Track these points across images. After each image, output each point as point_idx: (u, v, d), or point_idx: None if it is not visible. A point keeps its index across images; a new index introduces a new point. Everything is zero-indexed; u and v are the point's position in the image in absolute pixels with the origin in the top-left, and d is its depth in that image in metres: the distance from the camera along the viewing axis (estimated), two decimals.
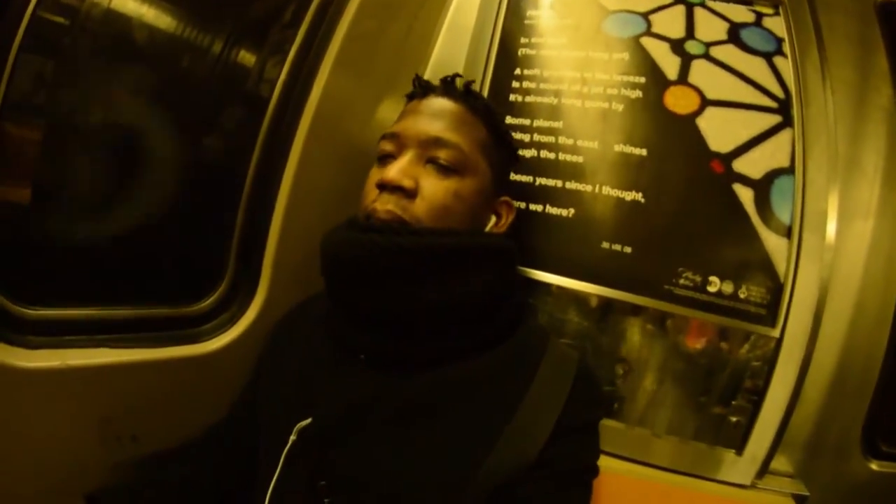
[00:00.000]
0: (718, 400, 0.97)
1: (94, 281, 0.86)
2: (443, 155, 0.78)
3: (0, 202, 0.77)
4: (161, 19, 0.87)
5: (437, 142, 0.78)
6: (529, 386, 0.74)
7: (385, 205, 0.75)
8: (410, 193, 0.76)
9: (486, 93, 1.12)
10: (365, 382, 0.75)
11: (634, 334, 1.00)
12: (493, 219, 0.86)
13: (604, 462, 0.94)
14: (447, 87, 0.87)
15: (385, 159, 0.81)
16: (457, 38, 1.18)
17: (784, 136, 0.99)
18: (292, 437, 0.72)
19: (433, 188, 0.77)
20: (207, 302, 0.95)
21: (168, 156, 0.93)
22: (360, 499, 0.70)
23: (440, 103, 0.83)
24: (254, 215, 0.97)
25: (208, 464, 0.88)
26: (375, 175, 0.80)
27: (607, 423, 0.99)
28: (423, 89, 0.88)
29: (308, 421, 0.73)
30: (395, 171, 0.76)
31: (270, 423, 0.80)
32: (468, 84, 0.88)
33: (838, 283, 0.99)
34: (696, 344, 0.98)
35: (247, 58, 0.98)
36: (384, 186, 0.77)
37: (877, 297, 1.00)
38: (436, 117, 0.81)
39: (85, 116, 0.84)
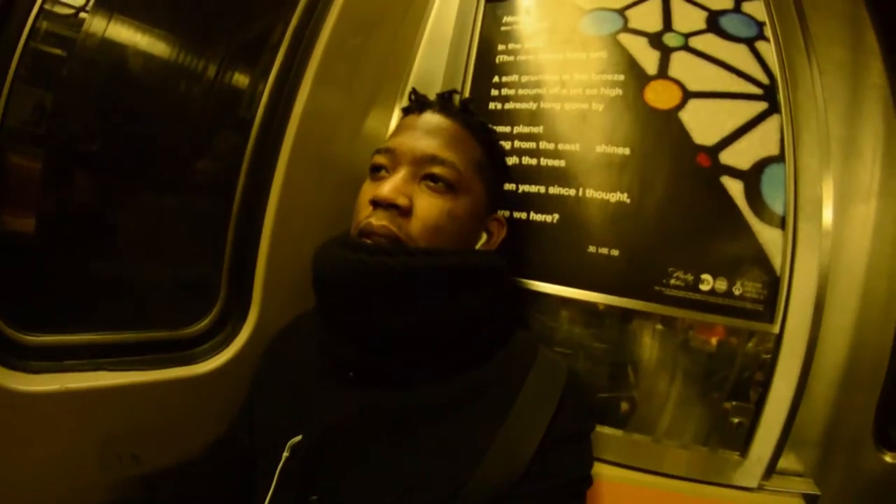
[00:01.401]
0: (718, 402, 0.94)
1: (92, 307, 0.91)
2: (438, 173, 0.79)
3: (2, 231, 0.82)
4: (144, 48, 0.92)
5: (432, 160, 0.79)
6: (517, 397, 0.74)
7: (380, 220, 0.76)
8: (404, 211, 0.77)
9: None
10: (354, 399, 0.76)
11: (627, 339, 0.98)
12: (485, 236, 0.87)
13: (604, 470, 0.94)
14: (444, 103, 0.88)
15: (378, 172, 0.82)
16: (437, 50, 1.19)
17: (772, 123, 0.95)
18: (285, 454, 0.74)
19: (427, 207, 0.78)
20: (202, 324, 0.99)
21: (159, 182, 0.98)
22: None
23: (436, 120, 0.84)
24: (243, 238, 1.01)
25: (206, 481, 0.90)
26: (369, 190, 0.81)
27: (605, 431, 0.98)
28: (419, 104, 0.88)
29: (299, 438, 0.74)
30: (388, 188, 0.77)
31: (266, 441, 0.82)
32: (465, 101, 0.89)
33: (840, 272, 0.95)
34: (692, 347, 0.96)
35: (230, 83, 1.02)
36: (378, 203, 0.77)
37: (883, 283, 0.95)
38: (431, 134, 0.82)
39: (83, 146, 0.90)
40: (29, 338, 0.80)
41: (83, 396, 0.79)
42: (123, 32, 0.88)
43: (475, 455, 0.69)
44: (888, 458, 0.96)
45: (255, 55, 1.04)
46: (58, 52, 0.83)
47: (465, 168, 0.81)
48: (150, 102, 0.95)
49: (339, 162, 1.09)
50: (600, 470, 0.94)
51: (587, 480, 0.76)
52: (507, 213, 1.05)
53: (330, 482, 0.72)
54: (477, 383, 0.75)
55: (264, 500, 0.74)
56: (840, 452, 0.97)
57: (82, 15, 0.84)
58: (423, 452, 0.71)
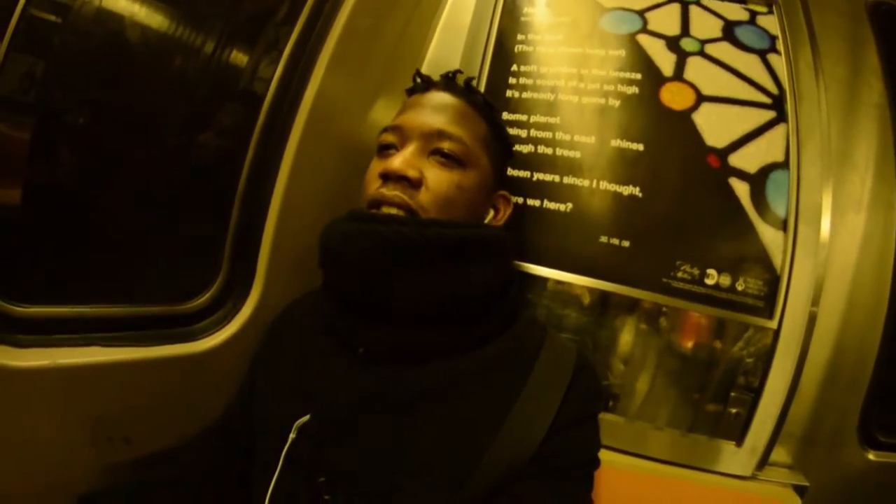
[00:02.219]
0: (717, 393, 0.98)
1: (86, 278, 0.85)
2: (446, 147, 0.79)
3: None
4: (154, 18, 0.86)
5: (440, 134, 0.79)
6: (528, 378, 0.74)
7: (392, 190, 0.76)
8: (415, 184, 0.77)
9: (482, 89, 1.13)
10: (363, 377, 0.74)
11: (633, 328, 1.01)
12: (492, 212, 0.87)
13: (604, 456, 0.95)
14: (448, 82, 0.88)
15: (386, 150, 0.81)
16: (452, 37, 1.19)
17: (778, 132, 1.01)
18: (292, 435, 0.72)
19: (438, 179, 0.77)
20: (202, 299, 0.93)
21: (161, 152, 0.92)
22: (359, 494, 0.69)
23: (442, 97, 0.85)
24: (249, 212, 0.96)
25: (203, 465, 0.86)
26: (377, 166, 0.81)
27: (606, 417, 1.00)
28: (424, 84, 0.89)
29: (307, 417, 0.72)
30: (399, 161, 0.77)
31: (268, 422, 0.79)
32: (468, 80, 0.90)
33: (833, 276, 1.01)
34: (694, 338, 1.00)
35: (241, 56, 0.98)
36: (388, 176, 0.77)
37: (870, 288, 1.02)
38: (438, 111, 0.82)
39: (76, 115, 0.83)
40: (18, 309, 0.74)
41: (74, 373, 0.74)
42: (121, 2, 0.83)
43: (487, 434, 0.69)
44: (871, 456, 1.03)
45: (264, 29, 1.00)
46: (52, 17, 0.78)
47: (472, 143, 0.82)
48: (153, 71, 0.89)
49: (349, 144, 1.07)
50: (601, 456, 0.96)
51: (595, 461, 0.77)
52: (520, 200, 1.06)
53: (339, 462, 0.70)
54: (487, 362, 0.75)
55: (269, 483, 0.71)
56: (825, 448, 1.03)
57: None
58: (435, 431, 0.70)
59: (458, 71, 0.90)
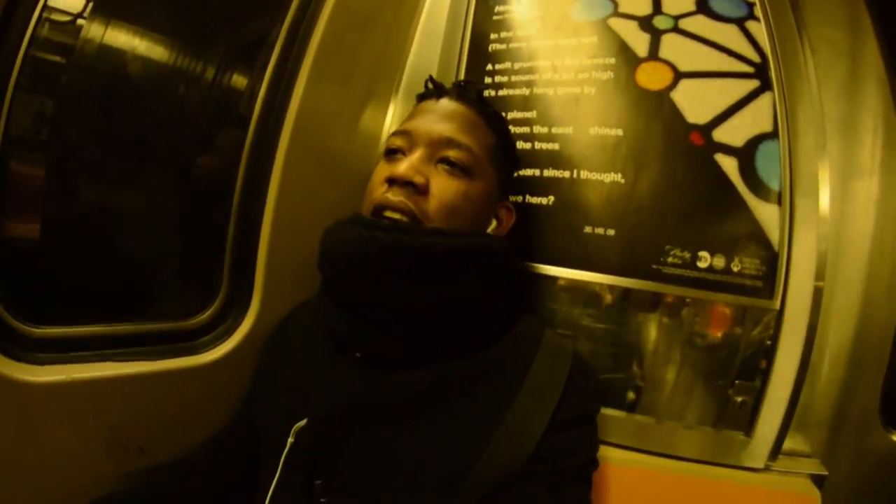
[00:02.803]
0: (723, 381, 0.94)
1: (97, 300, 0.93)
2: (454, 155, 0.81)
3: (9, 230, 0.83)
4: (141, 49, 0.94)
5: (449, 142, 0.81)
6: (524, 380, 0.75)
7: (396, 195, 0.78)
8: (421, 190, 0.78)
9: None
10: (359, 381, 0.77)
11: (628, 320, 0.98)
12: (495, 222, 0.89)
13: (609, 453, 0.94)
14: (460, 90, 0.90)
15: (394, 154, 0.84)
16: (431, 42, 1.22)
17: (764, 101, 0.96)
18: (290, 440, 0.75)
19: (444, 187, 0.80)
20: (205, 315, 1.00)
21: (161, 178, 1.01)
22: (355, 497, 0.72)
23: (453, 106, 0.87)
24: (244, 229, 1.02)
25: (212, 470, 0.91)
26: (383, 170, 0.83)
27: (609, 413, 0.98)
28: (436, 90, 0.91)
29: (304, 422, 0.75)
30: (406, 166, 0.79)
31: (270, 428, 0.83)
32: (480, 90, 0.93)
33: (842, 249, 0.95)
34: (693, 325, 0.95)
35: (228, 79, 1.04)
36: (394, 181, 0.79)
37: (887, 259, 0.94)
38: (448, 118, 0.85)
39: (83, 148, 0.92)
40: (35, 330, 0.81)
41: (89, 387, 0.80)
42: (120, 37, 0.91)
43: (483, 438, 0.70)
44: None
45: (251, 54, 1.06)
46: (57, 59, 0.86)
47: (480, 153, 0.83)
48: (149, 103, 0.98)
49: (336, 156, 1.12)
50: (605, 452, 0.94)
51: (594, 463, 0.76)
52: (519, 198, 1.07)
53: (336, 466, 0.73)
54: (483, 365, 0.76)
55: (269, 488, 0.74)
56: (847, 433, 0.96)
57: (80, 21, 0.87)
58: (431, 435, 0.72)
59: (470, 81, 0.93)
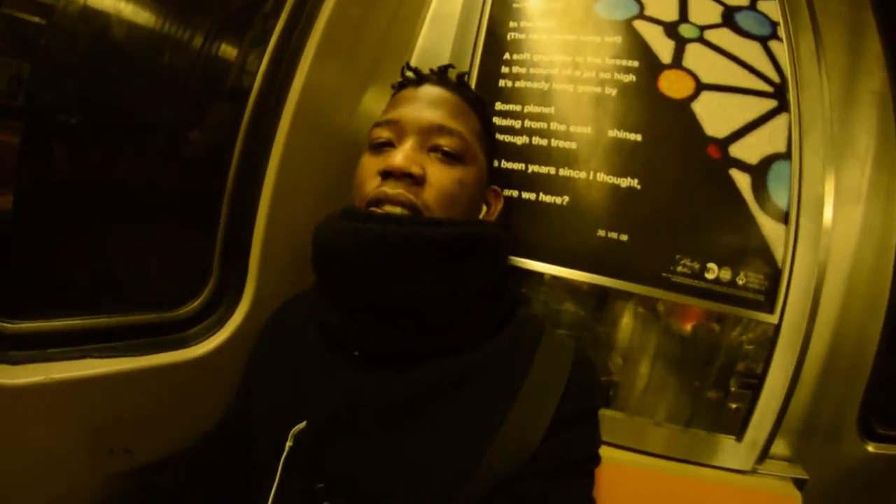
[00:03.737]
0: (717, 387, 0.99)
1: (75, 289, 0.86)
2: (447, 143, 0.78)
3: None
4: (137, 14, 0.86)
5: (440, 129, 0.79)
6: (526, 376, 0.75)
7: (394, 188, 0.75)
8: (419, 180, 0.76)
9: (474, 79, 1.12)
10: (358, 380, 0.75)
11: (631, 323, 1.01)
12: (485, 208, 0.88)
13: (603, 452, 0.96)
14: (441, 76, 0.88)
15: (381, 147, 0.80)
16: (443, 26, 1.17)
17: (780, 121, 1.00)
18: (289, 444, 0.72)
19: (441, 176, 0.78)
20: (194, 305, 0.94)
21: (148, 154, 0.93)
22: (358, 499, 0.70)
23: (436, 92, 0.84)
24: (238, 212, 0.97)
25: (203, 469, 0.89)
26: (373, 163, 0.80)
27: (605, 413, 1.00)
28: (417, 78, 0.88)
29: (303, 425, 0.73)
30: (401, 157, 0.76)
31: (266, 429, 0.80)
32: (460, 75, 0.90)
33: (833, 268, 1.01)
34: (690, 329, 1.00)
35: (226, 50, 0.97)
36: (390, 174, 0.76)
37: (869, 279, 1.02)
38: (434, 105, 0.82)
39: (64, 119, 0.84)
40: (9, 325, 0.74)
41: (70, 387, 0.74)
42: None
43: (486, 435, 0.70)
44: (871, 448, 1.05)
45: (249, 23, 0.99)
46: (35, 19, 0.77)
47: (470, 138, 0.82)
48: (138, 71, 0.89)
49: (339, 138, 1.07)
50: (602, 452, 0.98)
51: (596, 458, 0.78)
52: (515, 193, 1.05)
53: (337, 469, 0.71)
54: (484, 361, 0.76)
55: (269, 492, 0.72)
56: (825, 440, 1.05)
57: None
58: (433, 434, 0.71)
59: (450, 65, 0.90)
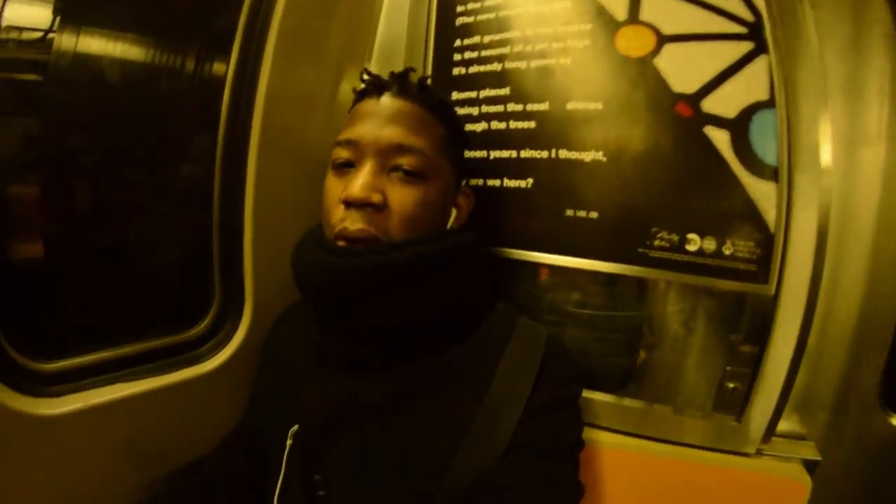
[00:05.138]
0: (714, 366, 0.94)
1: (100, 327, 1.00)
2: (406, 162, 0.79)
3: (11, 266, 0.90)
4: (123, 52, 0.96)
5: (399, 149, 0.80)
6: (496, 372, 0.78)
7: (355, 223, 0.77)
8: (379, 207, 0.78)
9: (429, 69, 1.11)
10: (342, 385, 0.82)
11: (615, 304, 0.99)
12: (455, 212, 0.89)
13: (597, 436, 0.98)
14: (402, 84, 0.86)
15: (343, 168, 0.83)
16: (398, 16, 1.16)
17: (759, 65, 0.88)
18: (289, 442, 0.82)
19: (401, 199, 0.79)
20: (202, 326, 1.07)
21: (145, 193, 1.05)
22: (350, 490, 0.79)
23: (396, 105, 0.83)
24: (229, 236, 1.06)
25: (225, 470, 1.01)
26: (336, 188, 0.82)
27: (596, 397, 1.01)
28: (376, 87, 0.87)
29: (297, 426, 0.82)
30: (359, 187, 0.77)
31: (271, 429, 0.90)
32: (423, 79, 0.88)
33: (845, 223, 0.91)
34: (682, 309, 0.95)
35: (195, 81, 1.04)
36: (351, 204, 0.79)
37: (891, 233, 0.89)
38: (394, 121, 0.81)
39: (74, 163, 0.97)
40: (47, 366, 0.89)
41: (106, 409, 0.88)
42: (92, 44, 0.93)
43: (458, 432, 0.74)
44: (895, 422, 0.93)
45: (220, 47, 1.05)
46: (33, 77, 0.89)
47: (433, 152, 0.82)
48: (128, 112, 0.99)
49: (313, 145, 1.11)
50: (594, 436, 0.99)
51: (577, 445, 0.80)
52: (480, 182, 1.05)
53: (330, 462, 0.80)
54: (457, 360, 0.80)
55: (276, 485, 0.83)
56: (845, 415, 0.96)
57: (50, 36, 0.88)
58: (413, 429, 0.77)
59: (410, 69, 0.89)
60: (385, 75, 0.89)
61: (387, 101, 0.83)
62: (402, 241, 0.77)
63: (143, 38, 0.98)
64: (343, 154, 0.82)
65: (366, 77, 0.89)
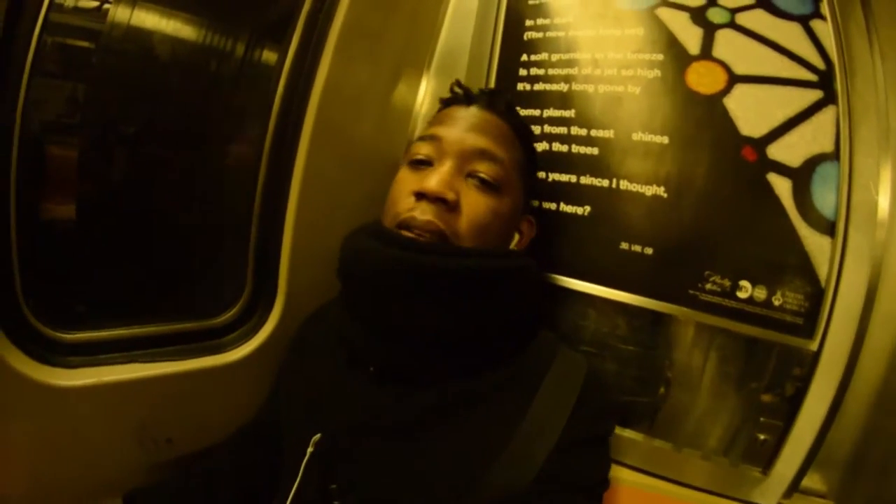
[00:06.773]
0: (747, 416, 0.96)
1: (124, 302, 1.02)
2: (485, 170, 0.82)
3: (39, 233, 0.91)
4: (177, 30, 0.98)
5: (482, 154, 0.82)
6: (533, 400, 0.78)
7: (425, 214, 0.79)
8: (452, 206, 0.80)
9: (492, 81, 1.13)
10: (371, 396, 0.82)
11: (656, 342, 1.00)
12: (517, 236, 0.91)
13: (623, 474, 0.98)
14: (491, 99, 0.90)
15: (419, 165, 0.85)
16: (462, 24, 1.18)
17: (827, 115, 0.91)
18: (310, 450, 0.81)
19: (475, 204, 0.81)
20: (230, 314, 1.08)
21: (185, 172, 1.07)
22: (366, 502, 0.79)
23: (484, 115, 0.87)
24: (267, 225, 1.07)
25: (236, 461, 1.00)
26: (409, 180, 0.84)
27: (626, 434, 1.02)
28: (466, 97, 0.91)
29: (320, 435, 0.82)
30: (436, 181, 0.79)
31: (292, 432, 0.90)
32: (510, 100, 0.91)
33: (888, 287, 0.91)
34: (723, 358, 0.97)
35: (252, 65, 1.07)
36: (423, 196, 0.80)
37: None
38: (480, 129, 0.85)
39: (115, 133, 0.99)
40: (66, 336, 0.91)
41: (119, 388, 0.89)
42: (146, 18, 0.95)
43: (489, 455, 0.74)
44: None
45: (275, 34, 1.07)
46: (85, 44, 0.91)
47: (511, 167, 0.84)
48: (175, 89, 1.02)
49: (363, 144, 1.13)
50: (619, 474, 1.00)
51: (604, 483, 0.80)
52: (535, 203, 1.06)
53: (349, 474, 0.80)
54: (497, 382, 0.80)
55: (290, 489, 0.82)
56: (867, 476, 0.96)
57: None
58: (439, 451, 0.76)
59: (500, 90, 0.92)
60: (445, 82, 0.92)
61: (475, 110, 0.87)
62: (469, 248, 0.78)
63: (197, 18, 1.01)
64: (423, 150, 0.85)
65: (456, 89, 0.92)
